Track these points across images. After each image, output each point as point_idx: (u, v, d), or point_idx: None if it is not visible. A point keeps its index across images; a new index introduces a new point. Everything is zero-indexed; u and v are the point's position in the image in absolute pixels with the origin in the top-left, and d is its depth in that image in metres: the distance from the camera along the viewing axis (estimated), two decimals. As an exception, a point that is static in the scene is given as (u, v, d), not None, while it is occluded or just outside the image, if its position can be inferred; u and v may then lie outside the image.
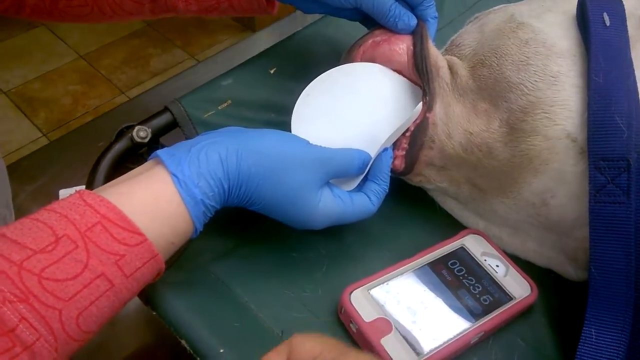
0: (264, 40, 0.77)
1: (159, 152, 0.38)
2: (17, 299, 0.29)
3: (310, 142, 0.43)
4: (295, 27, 0.74)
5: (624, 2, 0.44)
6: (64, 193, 0.51)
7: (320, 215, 0.42)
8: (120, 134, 0.47)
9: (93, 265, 0.31)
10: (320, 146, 0.43)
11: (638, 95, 0.40)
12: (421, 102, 0.46)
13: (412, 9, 0.49)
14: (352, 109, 0.48)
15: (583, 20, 0.43)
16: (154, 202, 0.35)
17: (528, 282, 0.45)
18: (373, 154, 0.45)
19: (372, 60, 0.49)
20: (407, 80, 0.49)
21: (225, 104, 0.52)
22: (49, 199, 0.53)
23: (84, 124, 0.65)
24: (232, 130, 0.42)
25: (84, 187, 0.47)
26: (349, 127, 0.48)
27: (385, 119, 0.48)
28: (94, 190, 0.35)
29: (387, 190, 0.45)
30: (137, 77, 1.98)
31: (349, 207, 0.43)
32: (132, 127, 0.48)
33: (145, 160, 0.46)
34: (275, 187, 0.39)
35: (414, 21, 0.49)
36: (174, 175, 0.36)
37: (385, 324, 0.41)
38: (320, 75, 0.49)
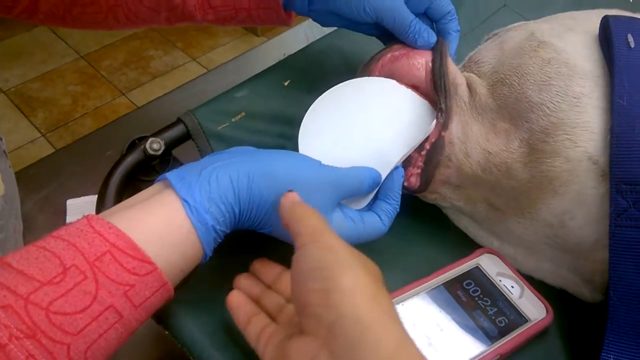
0: (273, 49, 0.76)
1: (169, 175, 0.37)
2: (24, 335, 0.28)
3: (322, 163, 0.41)
4: (301, 37, 0.73)
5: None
6: (71, 203, 0.50)
7: None
8: (132, 146, 0.46)
9: (102, 297, 0.30)
10: (332, 167, 0.41)
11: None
12: (434, 122, 0.45)
13: (434, 22, 0.49)
14: (362, 125, 0.47)
15: (606, 41, 0.43)
16: (165, 228, 0.34)
17: (543, 303, 0.45)
18: (383, 172, 0.44)
19: (390, 74, 0.48)
20: (420, 97, 0.48)
21: (239, 116, 0.51)
22: (56, 208, 0.52)
23: (91, 132, 0.64)
24: (242, 151, 0.41)
25: (92, 197, 0.46)
26: (359, 144, 0.46)
27: (396, 136, 0.47)
28: (101, 214, 0.34)
29: (398, 209, 0.44)
30: (137, 79, 1.97)
31: (360, 227, 0.42)
32: (144, 138, 0.47)
33: (157, 173, 0.45)
34: None
35: (433, 38, 0.48)
36: (184, 200, 0.35)
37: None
38: (329, 90, 0.48)
